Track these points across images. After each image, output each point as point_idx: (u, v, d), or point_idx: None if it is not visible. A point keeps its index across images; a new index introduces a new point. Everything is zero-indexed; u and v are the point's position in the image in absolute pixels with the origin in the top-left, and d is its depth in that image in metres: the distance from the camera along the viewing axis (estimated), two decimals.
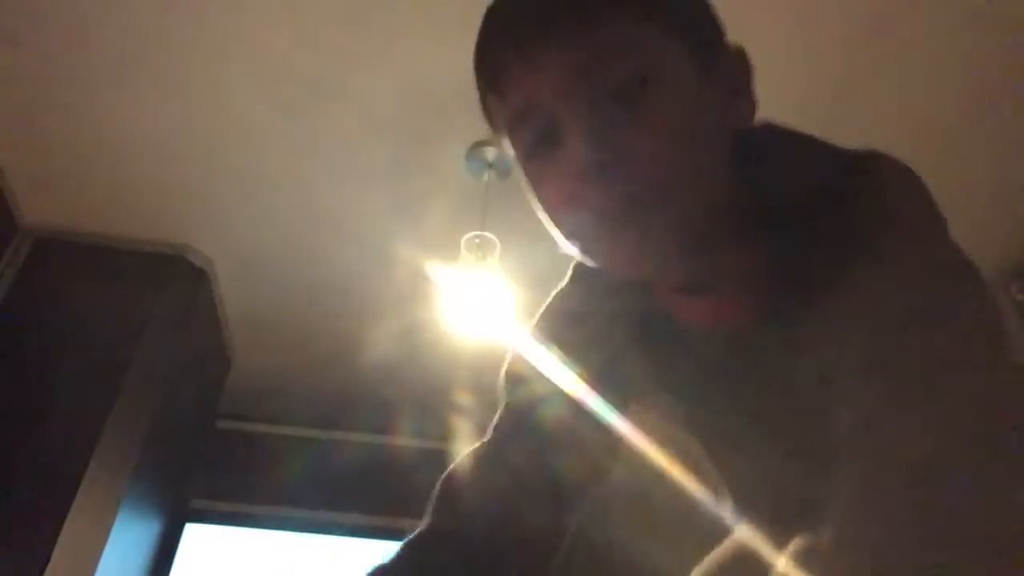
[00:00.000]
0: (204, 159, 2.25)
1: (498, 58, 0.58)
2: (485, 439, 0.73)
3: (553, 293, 0.75)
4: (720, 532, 0.75)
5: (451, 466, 0.72)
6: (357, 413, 3.07)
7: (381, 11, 1.85)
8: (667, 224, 0.56)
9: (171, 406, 2.39)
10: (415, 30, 1.89)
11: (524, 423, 0.71)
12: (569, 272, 0.74)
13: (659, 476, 0.74)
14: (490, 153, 2.13)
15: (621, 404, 0.71)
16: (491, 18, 0.60)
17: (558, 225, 0.60)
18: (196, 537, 2.67)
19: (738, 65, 0.62)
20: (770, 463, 0.68)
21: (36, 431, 2.08)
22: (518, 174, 0.62)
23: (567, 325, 0.72)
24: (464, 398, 3.04)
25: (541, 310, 0.75)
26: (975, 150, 2.10)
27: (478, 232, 2.04)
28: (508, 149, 0.63)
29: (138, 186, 2.35)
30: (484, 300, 2.01)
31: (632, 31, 0.55)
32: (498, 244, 2.03)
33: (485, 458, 0.71)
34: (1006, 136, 2.06)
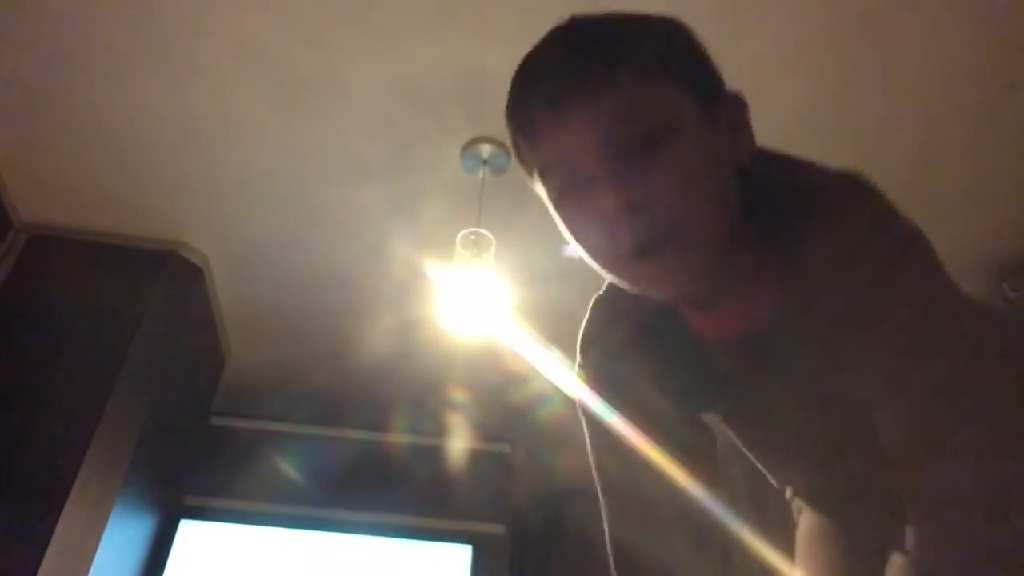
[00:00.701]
0: (200, 156, 2.24)
1: (532, 113, 0.67)
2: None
3: (590, 315, 0.86)
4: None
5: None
6: (352, 410, 3.07)
7: (377, 8, 1.85)
8: (686, 252, 0.65)
9: (166, 403, 2.39)
10: (411, 28, 1.89)
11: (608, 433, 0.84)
12: (602, 296, 0.85)
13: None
14: (485, 150, 2.12)
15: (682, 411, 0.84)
16: (525, 75, 0.68)
17: (594, 258, 0.69)
18: (190, 533, 2.67)
19: (736, 106, 0.71)
20: (801, 440, 0.81)
21: (31, 427, 2.08)
22: (552, 211, 0.71)
23: (615, 348, 0.83)
24: (459, 395, 3.04)
25: (586, 332, 0.86)
26: (967, 148, 2.11)
27: (473, 229, 2.04)
28: (539, 188, 0.71)
29: (134, 183, 2.34)
30: (479, 297, 2.01)
31: (648, 89, 0.64)
32: (493, 241, 2.03)
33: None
34: (996, 134, 2.07)
